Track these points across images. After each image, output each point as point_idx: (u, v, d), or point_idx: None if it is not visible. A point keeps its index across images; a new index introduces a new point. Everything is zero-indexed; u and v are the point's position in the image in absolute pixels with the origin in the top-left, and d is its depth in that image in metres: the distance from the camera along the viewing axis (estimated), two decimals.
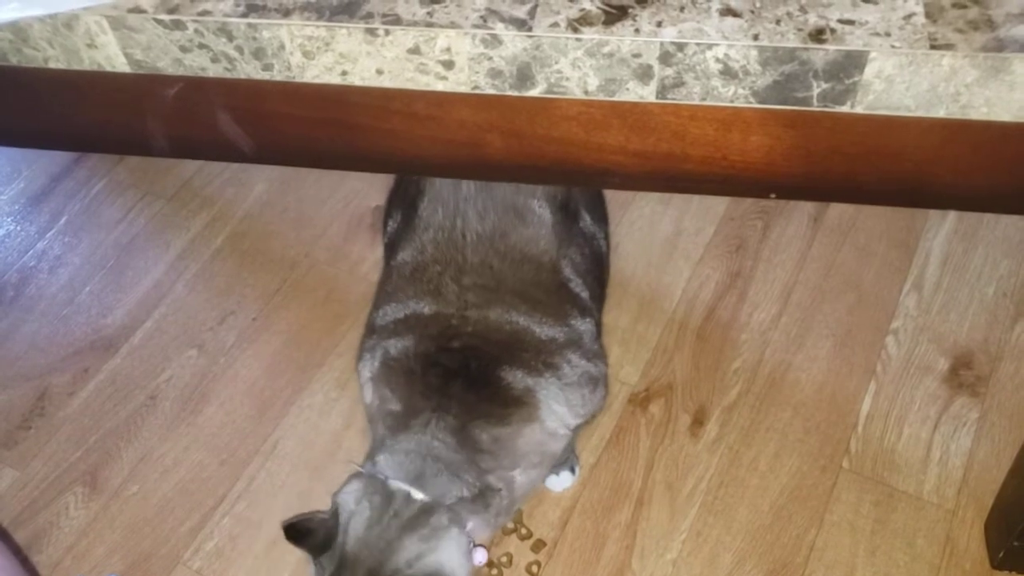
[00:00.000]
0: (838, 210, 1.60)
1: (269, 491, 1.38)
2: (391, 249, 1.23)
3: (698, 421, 1.40)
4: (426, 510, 1.04)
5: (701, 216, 1.63)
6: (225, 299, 1.60)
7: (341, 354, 1.51)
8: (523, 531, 1.31)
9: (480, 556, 1.12)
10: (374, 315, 1.21)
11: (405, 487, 1.05)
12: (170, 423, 1.46)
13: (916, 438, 1.36)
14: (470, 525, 1.08)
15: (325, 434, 1.43)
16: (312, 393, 1.47)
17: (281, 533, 1.32)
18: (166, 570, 1.33)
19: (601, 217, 1.31)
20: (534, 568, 1.28)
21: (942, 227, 1.57)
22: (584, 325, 1.18)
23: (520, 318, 1.13)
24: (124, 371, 1.53)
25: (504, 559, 1.29)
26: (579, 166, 0.75)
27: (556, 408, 1.12)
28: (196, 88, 0.72)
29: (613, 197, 1.63)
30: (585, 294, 1.20)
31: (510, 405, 1.09)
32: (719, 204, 1.64)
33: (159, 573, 1.32)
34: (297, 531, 1.05)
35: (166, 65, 0.71)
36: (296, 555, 1.32)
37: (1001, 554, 1.21)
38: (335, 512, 1.06)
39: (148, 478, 1.41)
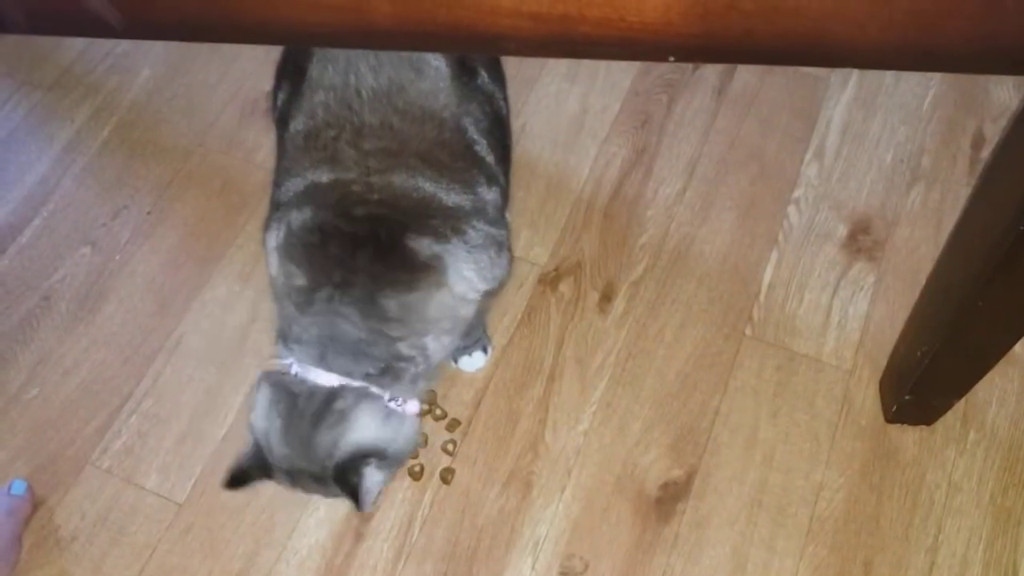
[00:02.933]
0: (742, 82, 1.60)
1: (176, 387, 1.36)
2: (283, 123, 1.18)
3: (606, 297, 1.41)
4: (328, 399, 1.04)
5: (607, 92, 1.61)
6: (117, 193, 1.53)
7: (241, 246, 1.46)
8: (438, 412, 1.32)
9: (412, 407, 1.12)
10: (276, 192, 1.16)
11: (309, 381, 1.05)
12: (68, 324, 1.41)
13: (816, 303, 1.40)
14: (387, 395, 1.08)
15: (230, 328, 1.40)
16: (214, 287, 1.43)
17: (191, 426, 1.32)
18: (74, 471, 1.30)
19: (499, 77, 1.27)
20: (450, 447, 1.30)
21: (842, 96, 1.58)
22: (490, 195, 1.16)
23: (427, 184, 1.10)
24: (13, 272, 1.46)
25: (419, 440, 1.30)
26: (472, 31, 0.72)
27: (465, 272, 1.10)
28: None
29: (519, 75, 1.59)
30: (491, 158, 1.17)
31: (418, 271, 1.07)
32: (624, 79, 1.62)
33: (67, 474, 1.30)
34: (238, 480, 1.06)
35: None
36: (209, 449, 1.31)
37: (894, 408, 1.27)
38: (255, 439, 1.07)
39: (48, 380, 1.37)
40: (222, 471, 1.27)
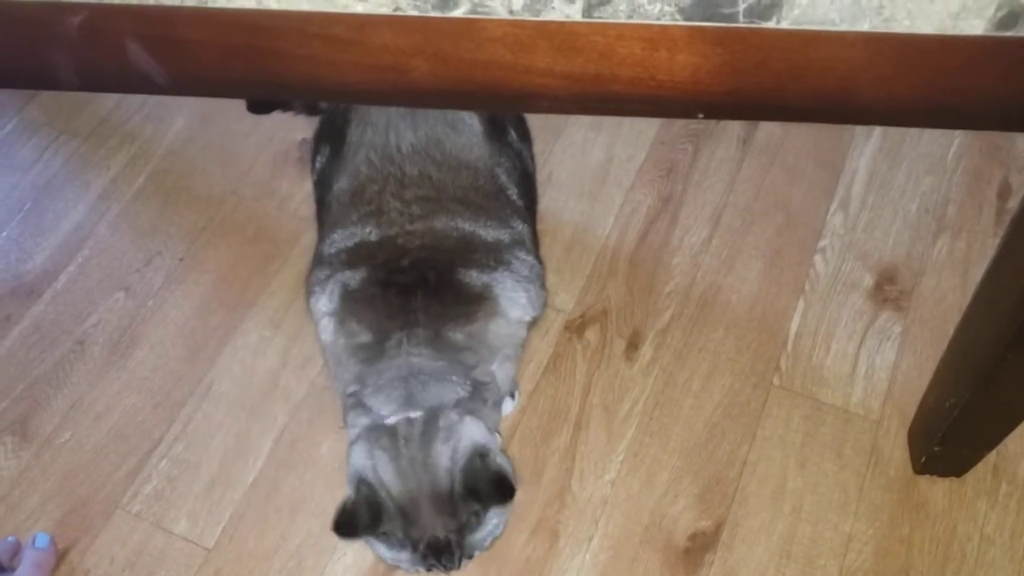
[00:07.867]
0: (767, 132, 1.62)
1: (206, 432, 1.37)
2: (322, 185, 1.22)
3: (633, 345, 1.42)
4: (429, 419, 1.06)
5: (632, 142, 1.63)
6: (150, 239, 1.56)
7: (273, 292, 1.48)
8: None
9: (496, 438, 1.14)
10: (321, 246, 1.20)
11: (402, 415, 1.06)
12: (100, 368, 1.43)
13: (843, 353, 1.40)
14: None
15: (261, 374, 1.42)
16: (245, 332, 1.45)
17: (221, 472, 1.33)
18: (104, 515, 1.31)
19: (525, 136, 1.32)
20: None
21: (867, 146, 1.59)
22: (524, 229, 1.20)
23: (465, 224, 1.14)
24: (49, 317, 1.48)
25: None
26: (507, 90, 0.74)
27: (516, 298, 1.13)
28: (103, 16, 0.69)
29: (545, 125, 1.61)
30: (520, 203, 1.21)
31: (473, 303, 1.11)
32: (650, 129, 1.64)
33: (97, 518, 1.31)
34: (345, 524, 1.04)
35: None
36: (238, 494, 1.32)
37: (923, 459, 1.26)
38: (359, 484, 1.06)
39: (80, 424, 1.38)
40: (251, 516, 1.30)
